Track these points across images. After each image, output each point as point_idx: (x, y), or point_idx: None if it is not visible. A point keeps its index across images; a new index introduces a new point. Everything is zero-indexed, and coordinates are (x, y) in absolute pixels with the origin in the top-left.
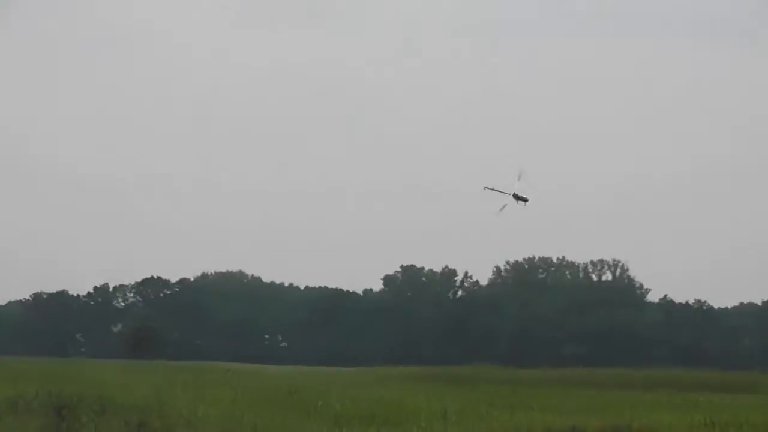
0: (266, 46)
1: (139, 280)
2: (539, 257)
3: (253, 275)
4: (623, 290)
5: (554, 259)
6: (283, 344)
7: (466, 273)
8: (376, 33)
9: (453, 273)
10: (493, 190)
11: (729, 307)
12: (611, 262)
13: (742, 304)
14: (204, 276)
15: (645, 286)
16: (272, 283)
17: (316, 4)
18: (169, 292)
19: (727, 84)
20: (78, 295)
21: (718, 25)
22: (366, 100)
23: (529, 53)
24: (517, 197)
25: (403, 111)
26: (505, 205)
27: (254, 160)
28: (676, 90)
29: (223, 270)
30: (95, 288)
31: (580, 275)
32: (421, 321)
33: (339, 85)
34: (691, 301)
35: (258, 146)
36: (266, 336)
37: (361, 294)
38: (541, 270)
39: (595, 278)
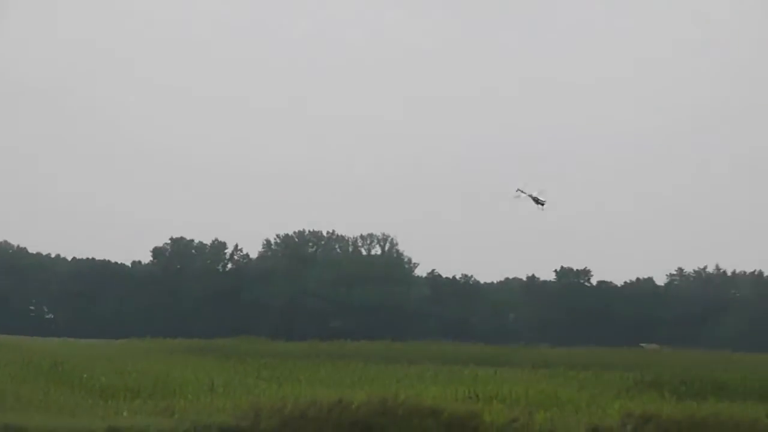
0: None
1: None
2: (309, 231)
3: (18, 246)
4: (392, 264)
5: (324, 233)
6: (49, 316)
7: (236, 246)
8: None
9: (223, 246)
10: (522, 192)
11: (495, 282)
12: (381, 237)
13: (507, 279)
14: None
15: (413, 261)
16: (38, 254)
17: None
18: None
19: None
20: None
21: None
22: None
23: None
24: (537, 200)
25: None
26: (519, 195)
27: (17, 125)
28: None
29: None
30: None
31: (350, 249)
32: (190, 293)
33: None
34: (458, 276)
35: (19, 108)
36: (31, 308)
37: (129, 266)
38: (311, 244)
39: (364, 252)
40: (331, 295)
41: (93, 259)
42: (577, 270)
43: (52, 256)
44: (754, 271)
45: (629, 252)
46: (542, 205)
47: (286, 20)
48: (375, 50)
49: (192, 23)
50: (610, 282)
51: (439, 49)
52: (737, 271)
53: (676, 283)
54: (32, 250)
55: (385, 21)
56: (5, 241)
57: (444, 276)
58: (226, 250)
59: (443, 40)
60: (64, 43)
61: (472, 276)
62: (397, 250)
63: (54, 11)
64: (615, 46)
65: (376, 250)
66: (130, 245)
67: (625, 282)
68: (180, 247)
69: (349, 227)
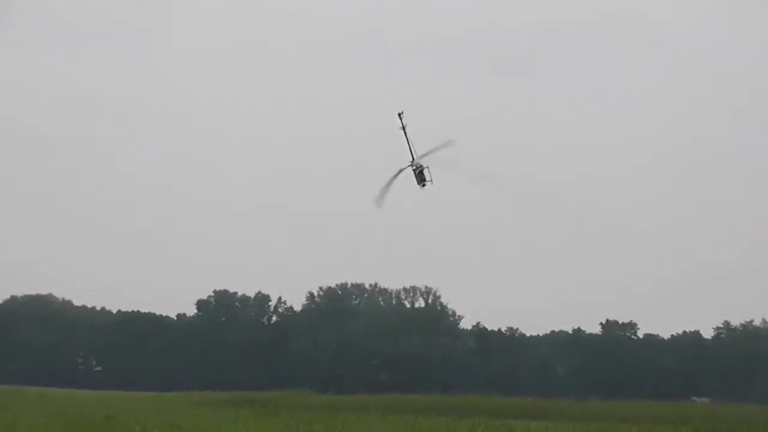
0: None
1: None
2: (352, 283)
3: (63, 298)
4: (436, 317)
5: (367, 286)
6: (98, 369)
7: (280, 298)
8: None
9: (266, 298)
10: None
11: (541, 334)
12: (423, 289)
13: (553, 332)
14: (13, 299)
15: (458, 313)
16: (83, 307)
17: None
18: None
19: None
20: None
21: None
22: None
23: None
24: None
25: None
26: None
27: (57, 179)
28: None
29: (33, 293)
30: None
31: (393, 302)
32: (236, 346)
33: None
34: (503, 329)
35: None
36: (79, 360)
37: (175, 318)
38: (354, 296)
39: (408, 305)
40: (376, 347)
41: (138, 311)
42: (623, 323)
43: (98, 308)
44: None
45: (675, 305)
46: (424, 184)
47: None
48: None
49: None
50: (657, 335)
51: None
52: None
53: (722, 336)
54: (77, 302)
55: None
56: (50, 294)
57: (489, 329)
58: (269, 303)
59: None
60: None
61: (517, 329)
62: (441, 303)
63: None
64: None
65: (420, 303)
66: (175, 298)
67: (672, 335)
68: (224, 299)
69: (392, 280)
